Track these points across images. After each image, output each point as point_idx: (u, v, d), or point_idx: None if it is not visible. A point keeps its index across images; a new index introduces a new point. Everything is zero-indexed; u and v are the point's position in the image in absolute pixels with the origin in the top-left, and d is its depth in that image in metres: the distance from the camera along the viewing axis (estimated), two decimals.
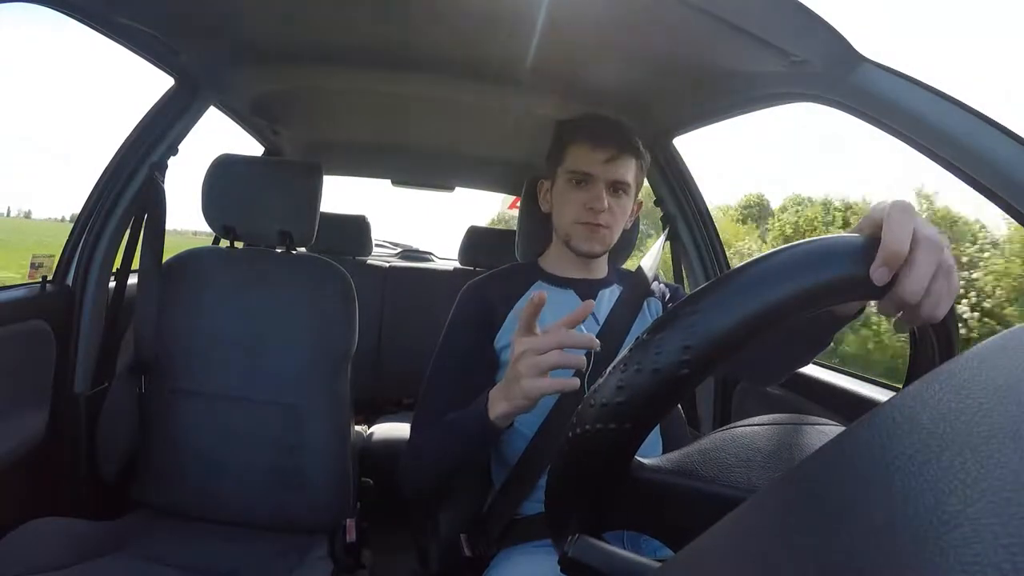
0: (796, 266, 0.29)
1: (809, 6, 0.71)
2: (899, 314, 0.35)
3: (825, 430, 0.39)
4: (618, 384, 0.29)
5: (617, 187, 0.84)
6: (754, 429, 0.39)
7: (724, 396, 1.25)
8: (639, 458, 0.35)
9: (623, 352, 0.30)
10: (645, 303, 0.88)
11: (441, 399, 0.82)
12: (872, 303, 0.36)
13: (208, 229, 1.12)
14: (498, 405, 0.67)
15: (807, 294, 0.28)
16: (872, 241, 0.31)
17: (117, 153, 1.11)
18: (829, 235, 0.31)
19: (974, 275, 8.37)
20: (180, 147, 1.16)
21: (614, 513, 0.35)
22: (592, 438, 0.30)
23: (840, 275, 0.30)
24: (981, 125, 0.65)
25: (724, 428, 0.40)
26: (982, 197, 0.65)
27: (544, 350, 0.59)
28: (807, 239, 0.30)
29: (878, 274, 0.31)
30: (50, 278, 1.04)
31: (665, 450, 0.88)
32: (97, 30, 0.91)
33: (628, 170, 0.84)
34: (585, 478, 0.32)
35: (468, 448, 0.74)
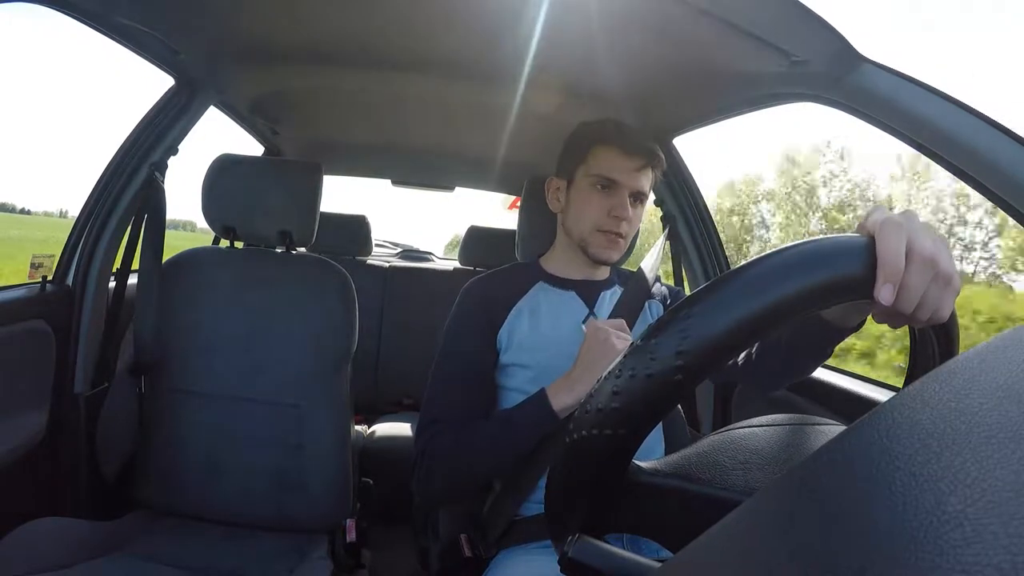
0: (792, 267, 0.29)
1: (809, 6, 0.71)
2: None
3: (825, 430, 0.38)
4: (613, 390, 0.29)
5: (637, 197, 0.85)
6: (752, 431, 0.39)
7: (725, 396, 1.25)
8: (636, 462, 0.35)
9: (619, 357, 0.30)
10: (646, 304, 0.88)
11: (455, 398, 0.82)
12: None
13: None
14: (563, 397, 0.73)
15: (802, 297, 0.28)
16: (870, 242, 0.31)
17: (117, 153, 1.10)
18: (825, 236, 0.31)
19: None
20: (180, 147, 1.16)
21: (613, 516, 0.35)
22: (589, 443, 0.30)
23: (835, 276, 0.29)
24: (981, 125, 0.65)
25: (722, 430, 0.40)
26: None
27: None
28: (802, 240, 0.30)
29: (884, 292, 0.31)
30: (50, 278, 1.04)
31: (667, 450, 0.88)
32: (97, 30, 0.91)
33: (649, 181, 0.86)
34: (583, 482, 0.32)
35: (523, 447, 0.75)
